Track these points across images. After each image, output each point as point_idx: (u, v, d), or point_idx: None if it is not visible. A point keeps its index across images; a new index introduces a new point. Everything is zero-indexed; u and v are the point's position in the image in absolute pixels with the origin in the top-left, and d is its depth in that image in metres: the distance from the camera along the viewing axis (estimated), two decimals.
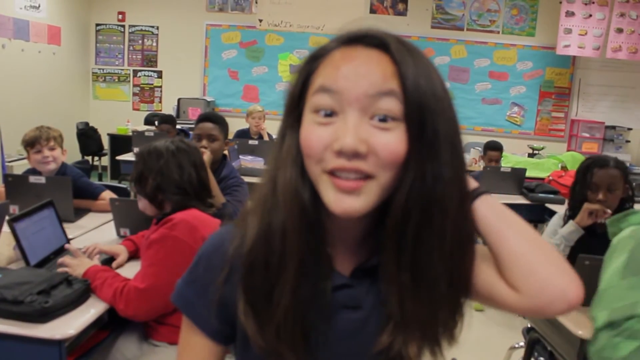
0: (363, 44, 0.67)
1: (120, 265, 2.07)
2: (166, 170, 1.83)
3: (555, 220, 2.41)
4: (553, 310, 0.69)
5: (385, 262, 0.69)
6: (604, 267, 1.39)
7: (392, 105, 0.63)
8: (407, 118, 0.64)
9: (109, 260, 2.07)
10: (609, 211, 2.20)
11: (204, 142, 2.60)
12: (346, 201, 0.63)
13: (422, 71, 0.65)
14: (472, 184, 0.72)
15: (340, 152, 0.62)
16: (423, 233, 0.66)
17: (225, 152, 2.84)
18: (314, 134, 0.64)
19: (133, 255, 2.15)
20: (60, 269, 1.84)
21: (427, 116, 0.64)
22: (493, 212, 0.71)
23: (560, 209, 3.65)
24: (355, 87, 0.63)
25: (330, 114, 0.64)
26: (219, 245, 0.75)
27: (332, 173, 0.64)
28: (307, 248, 0.67)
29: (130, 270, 1.98)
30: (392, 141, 0.63)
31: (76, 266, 1.84)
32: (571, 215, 2.30)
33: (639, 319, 1.22)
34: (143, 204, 1.90)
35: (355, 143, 0.61)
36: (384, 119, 0.63)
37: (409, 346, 0.70)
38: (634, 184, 2.35)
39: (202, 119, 2.74)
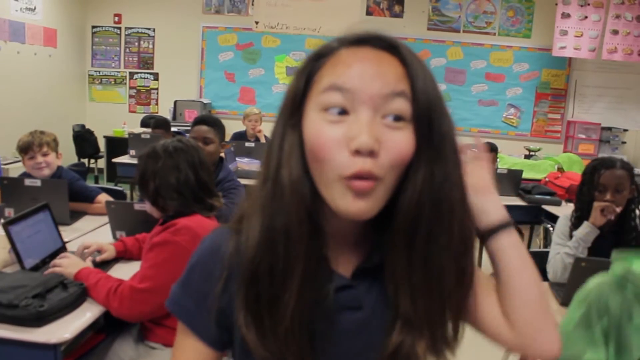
0: (371, 46, 0.68)
1: (103, 260, 2.08)
2: (163, 174, 1.81)
3: (562, 222, 2.43)
4: (536, 355, 0.75)
5: (395, 262, 0.70)
6: (571, 303, 1.37)
7: (403, 106, 0.65)
8: (417, 119, 0.65)
9: (99, 263, 2.06)
10: (618, 209, 2.23)
11: (200, 145, 2.59)
12: (360, 204, 0.64)
13: (428, 74, 0.67)
14: (503, 213, 0.77)
15: (357, 152, 0.62)
16: (434, 232, 0.67)
17: (222, 154, 2.83)
18: (325, 132, 0.64)
19: (122, 257, 2.14)
20: (51, 270, 1.83)
21: (434, 118, 0.66)
22: (516, 249, 0.76)
23: (557, 211, 3.67)
24: (369, 86, 0.64)
25: (342, 112, 0.64)
26: (214, 250, 0.74)
27: (348, 179, 0.63)
28: (311, 252, 0.67)
29: (121, 272, 1.97)
30: (403, 140, 0.64)
31: (68, 266, 1.83)
32: (579, 216, 2.32)
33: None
34: (148, 207, 1.89)
35: (372, 141, 0.62)
36: (396, 119, 0.64)
37: (417, 345, 0.70)
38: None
39: (198, 121, 2.73)
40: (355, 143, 0.62)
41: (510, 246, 0.76)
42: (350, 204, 0.64)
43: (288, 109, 0.69)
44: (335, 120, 0.64)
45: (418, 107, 0.65)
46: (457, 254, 0.69)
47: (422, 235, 0.67)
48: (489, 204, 0.78)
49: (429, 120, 0.66)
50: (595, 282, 1.34)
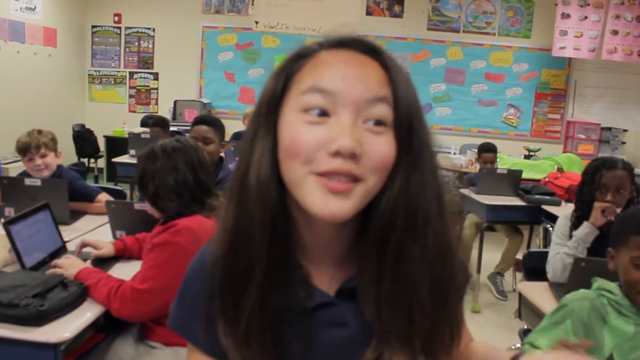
0: (352, 48, 0.67)
1: (99, 256, 2.08)
2: (161, 175, 1.81)
3: (562, 222, 2.43)
4: None
5: (364, 270, 0.68)
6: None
7: (385, 112, 0.64)
8: (397, 125, 0.64)
9: (100, 262, 2.06)
10: (619, 210, 2.23)
11: (200, 145, 2.60)
12: (334, 203, 0.61)
13: (408, 82, 0.67)
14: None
15: (337, 153, 0.60)
16: (406, 241, 0.65)
17: (222, 154, 2.83)
18: (304, 133, 0.62)
19: (120, 255, 2.14)
20: (51, 270, 1.83)
21: (414, 125, 0.65)
22: None
23: (557, 211, 3.67)
24: (352, 89, 0.63)
25: (322, 113, 0.63)
26: (199, 268, 0.73)
27: (320, 174, 0.62)
28: (274, 256, 0.65)
29: (121, 272, 1.97)
30: (384, 145, 0.63)
31: (68, 267, 1.83)
32: (580, 216, 2.32)
33: (530, 345, 1.46)
34: (148, 207, 1.89)
35: (353, 144, 0.60)
36: (377, 123, 0.63)
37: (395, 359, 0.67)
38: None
39: (197, 121, 2.74)
40: (336, 145, 0.60)
41: None
42: (322, 204, 0.62)
43: (263, 111, 0.67)
44: (315, 122, 0.62)
45: (399, 113, 0.64)
46: (432, 265, 0.66)
47: (393, 245, 0.65)
48: None
49: (409, 127, 0.65)
50: (572, 293, 1.52)
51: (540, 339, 1.45)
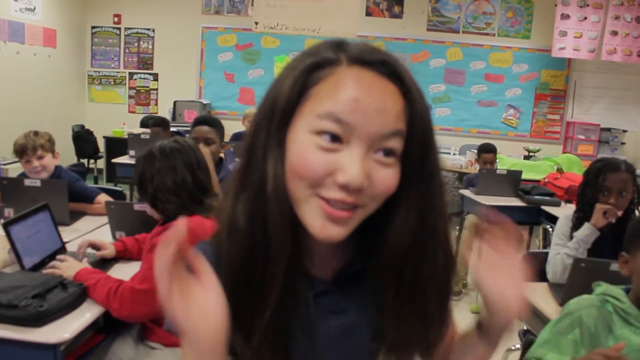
0: (374, 70, 0.63)
1: (102, 256, 2.08)
2: (160, 176, 1.80)
3: (563, 222, 2.43)
4: None
5: (381, 290, 0.70)
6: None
7: (397, 144, 0.63)
8: (410, 156, 0.65)
9: (99, 263, 2.06)
10: (620, 213, 2.23)
11: (201, 146, 2.60)
12: (333, 229, 0.63)
13: (425, 107, 0.66)
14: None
15: (344, 186, 0.60)
16: (422, 264, 0.68)
17: (222, 155, 2.83)
18: (315, 157, 0.61)
19: (121, 257, 2.14)
20: (49, 270, 1.83)
21: (427, 153, 0.66)
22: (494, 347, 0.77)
23: (556, 211, 3.67)
24: (370, 124, 0.61)
25: (335, 139, 0.61)
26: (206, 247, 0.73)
27: (323, 199, 0.62)
28: (291, 264, 0.66)
29: (120, 273, 1.97)
30: (390, 176, 0.64)
31: (67, 268, 1.83)
32: (581, 217, 2.32)
33: None
34: (148, 209, 1.89)
35: (362, 179, 0.60)
36: (388, 154, 0.63)
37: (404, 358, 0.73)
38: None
39: (198, 122, 2.74)
40: (345, 178, 0.60)
41: (494, 345, 0.76)
42: (321, 228, 0.63)
43: (276, 119, 0.65)
44: (327, 148, 0.61)
45: (414, 145, 0.65)
46: (442, 280, 0.71)
47: (411, 268, 0.68)
48: (508, 320, 0.72)
49: (422, 157, 0.66)
50: (577, 298, 1.47)
51: (550, 353, 1.39)
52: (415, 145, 0.65)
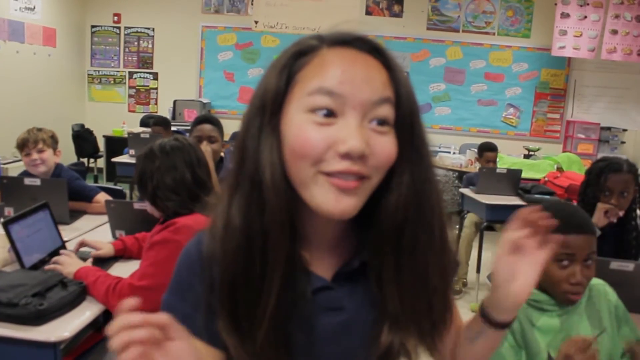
0: (355, 47, 0.67)
1: (99, 256, 2.08)
2: (160, 175, 1.81)
3: None
4: None
5: (381, 264, 0.70)
6: None
7: (388, 112, 0.65)
8: (400, 124, 0.66)
9: (99, 262, 2.06)
10: (621, 213, 2.23)
11: (204, 144, 2.61)
12: (345, 201, 0.64)
13: (407, 80, 0.68)
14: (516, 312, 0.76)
15: (347, 155, 0.62)
16: (419, 233, 0.69)
17: (222, 154, 2.84)
18: (312, 134, 0.63)
19: (121, 255, 2.14)
20: (49, 267, 1.83)
21: (415, 122, 0.68)
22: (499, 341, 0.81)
23: None
24: (359, 92, 0.63)
25: (329, 114, 0.63)
26: (196, 254, 0.74)
27: (329, 174, 0.63)
28: (290, 256, 0.66)
29: (120, 271, 1.97)
30: (389, 144, 0.65)
31: (67, 265, 1.83)
32: None
33: None
34: (148, 207, 1.89)
35: (363, 146, 0.62)
36: (382, 123, 0.65)
37: (407, 342, 0.72)
38: None
39: (201, 120, 2.75)
40: (346, 146, 0.62)
41: (499, 338, 0.78)
42: (334, 202, 0.63)
43: (267, 109, 0.66)
44: (323, 122, 0.63)
45: (402, 113, 0.67)
46: (439, 251, 0.71)
47: (408, 237, 0.69)
48: (515, 306, 0.75)
49: (411, 125, 0.67)
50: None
51: None
52: (404, 111, 0.67)
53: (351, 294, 0.74)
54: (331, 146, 0.62)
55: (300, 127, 0.64)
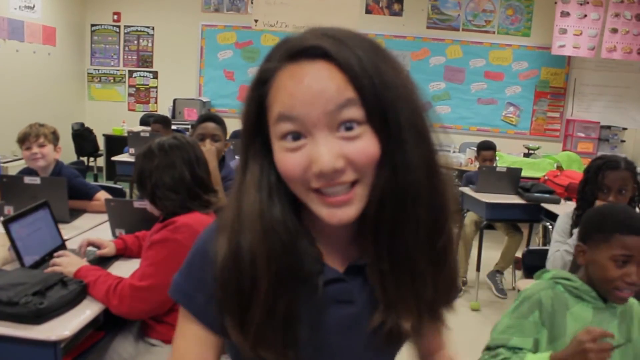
0: (306, 58, 0.65)
1: (102, 255, 2.08)
2: (158, 173, 1.81)
3: (563, 219, 2.43)
4: None
5: (367, 254, 0.72)
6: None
7: (354, 112, 0.64)
8: (370, 118, 0.64)
9: (99, 260, 2.06)
10: None
11: (207, 142, 2.62)
12: (339, 213, 0.66)
13: (369, 63, 0.64)
14: None
15: (320, 175, 0.63)
16: (397, 222, 0.68)
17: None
18: (288, 161, 0.65)
19: (121, 254, 2.14)
20: (50, 268, 1.83)
21: (387, 109, 0.64)
22: None
23: (556, 209, 3.67)
24: (313, 109, 0.63)
25: (298, 136, 0.65)
26: (211, 240, 0.74)
27: (318, 191, 0.65)
28: (280, 267, 0.67)
29: (120, 270, 1.97)
30: (365, 146, 0.64)
31: (67, 265, 1.83)
32: (581, 214, 2.32)
33: (507, 348, 1.44)
34: (148, 205, 1.89)
35: (332, 162, 0.62)
36: (350, 127, 0.64)
37: (402, 324, 0.73)
38: None
39: (205, 119, 2.76)
40: (317, 168, 0.63)
41: None
42: (329, 216, 0.66)
43: (247, 140, 0.71)
44: (293, 148, 0.65)
45: (367, 107, 0.64)
46: (430, 234, 0.69)
47: (385, 227, 0.68)
48: None
49: (383, 114, 0.64)
50: (531, 285, 1.56)
51: (515, 338, 1.45)
52: (370, 103, 0.64)
53: (362, 288, 0.75)
54: (307, 169, 0.64)
55: (278, 154, 0.66)
